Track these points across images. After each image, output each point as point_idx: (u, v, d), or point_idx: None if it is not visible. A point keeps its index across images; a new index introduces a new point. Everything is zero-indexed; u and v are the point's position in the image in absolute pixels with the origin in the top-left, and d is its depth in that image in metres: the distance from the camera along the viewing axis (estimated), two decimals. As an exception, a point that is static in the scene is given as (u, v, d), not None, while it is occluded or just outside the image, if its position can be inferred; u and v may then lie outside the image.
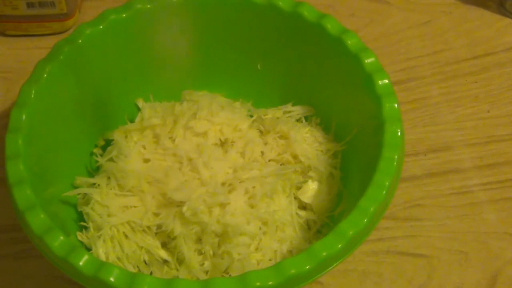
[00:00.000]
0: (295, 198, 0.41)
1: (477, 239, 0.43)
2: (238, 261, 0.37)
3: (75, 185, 0.40)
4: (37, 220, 0.32)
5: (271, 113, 0.45)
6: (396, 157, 0.34)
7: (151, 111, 0.43)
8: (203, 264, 0.38)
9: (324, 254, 0.30)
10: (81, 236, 0.38)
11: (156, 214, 0.38)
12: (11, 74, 0.52)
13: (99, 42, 0.40)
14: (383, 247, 0.42)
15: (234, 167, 0.40)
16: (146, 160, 0.40)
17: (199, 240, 0.38)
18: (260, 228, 0.38)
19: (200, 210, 0.37)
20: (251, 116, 0.44)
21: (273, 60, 0.44)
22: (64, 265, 0.31)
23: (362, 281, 0.41)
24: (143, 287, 0.29)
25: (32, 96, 0.36)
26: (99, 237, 0.38)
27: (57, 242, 0.31)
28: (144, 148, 0.41)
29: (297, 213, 0.41)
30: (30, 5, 0.52)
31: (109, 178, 0.40)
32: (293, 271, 0.30)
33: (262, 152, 0.42)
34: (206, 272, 0.38)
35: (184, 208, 0.37)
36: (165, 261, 0.39)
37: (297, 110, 0.45)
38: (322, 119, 0.44)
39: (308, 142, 0.42)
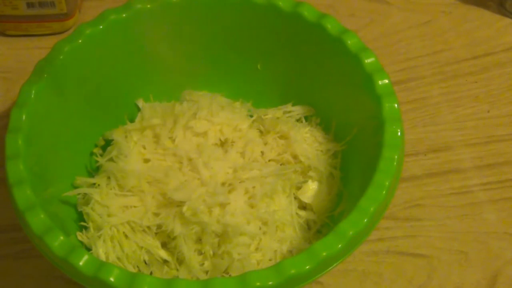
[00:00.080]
0: (295, 198, 0.41)
1: (477, 239, 0.43)
2: (238, 261, 0.37)
3: (75, 185, 0.40)
4: (37, 220, 0.32)
5: (271, 113, 0.45)
6: (396, 157, 0.34)
7: (151, 111, 0.43)
8: (203, 264, 0.38)
9: (324, 254, 0.30)
10: (81, 236, 0.38)
11: (156, 214, 0.38)
12: (11, 74, 0.52)
13: (99, 42, 0.40)
14: (383, 247, 0.42)
15: (234, 167, 0.40)
16: (146, 160, 0.41)
17: (199, 240, 0.38)
18: (260, 228, 0.38)
19: (200, 210, 0.37)
20: (251, 116, 0.44)
21: (273, 60, 0.44)
22: (64, 265, 0.31)
23: (362, 281, 0.41)
24: (143, 287, 0.29)
25: (32, 96, 0.36)
26: (99, 237, 0.38)
27: (57, 242, 0.31)
28: (144, 148, 0.41)
29: (297, 213, 0.41)
30: (30, 5, 0.52)
31: (109, 178, 0.40)
32: (293, 271, 0.30)
33: (262, 152, 0.42)
34: (206, 272, 0.38)
35: (184, 208, 0.37)
36: (165, 261, 0.39)
37: (297, 110, 0.45)
38: (322, 119, 0.44)
39: (308, 142, 0.42)
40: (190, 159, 0.40)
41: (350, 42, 0.39)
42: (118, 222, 0.38)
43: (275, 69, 0.44)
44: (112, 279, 0.30)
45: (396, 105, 0.36)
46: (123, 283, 0.29)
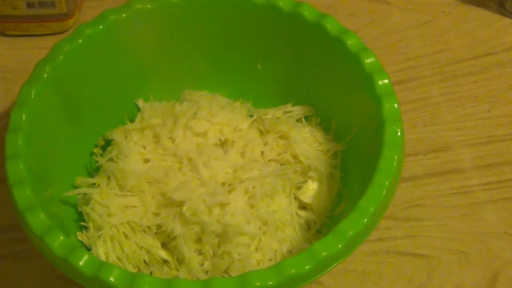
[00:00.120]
0: (295, 198, 0.41)
1: (477, 239, 0.43)
2: (238, 261, 0.37)
3: (75, 185, 0.40)
4: (37, 220, 0.32)
5: (271, 113, 0.45)
6: (396, 157, 0.34)
7: (151, 111, 0.43)
8: (203, 264, 0.38)
9: (324, 254, 0.30)
10: (81, 236, 0.38)
11: (156, 214, 0.38)
12: (11, 74, 0.52)
13: (99, 42, 0.40)
14: (383, 247, 0.42)
15: (234, 167, 0.40)
16: (146, 160, 0.40)
17: (199, 240, 0.38)
18: (260, 228, 0.38)
19: (200, 210, 0.37)
20: (251, 116, 0.44)
21: (273, 60, 0.44)
22: (64, 265, 0.31)
23: (362, 281, 0.41)
24: (143, 287, 0.29)
25: (32, 96, 0.36)
26: (99, 237, 0.38)
27: (57, 242, 0.31)
28: (144, 148, 0.41)
29: (297, 213, 0.41)
30: (30, 5, 0.52)
31: (109, 178, 0.40)
32: (293, 271, 0.30)
33: (262, 152, 0.42)
34: (206, 272, 0.38)
35: (184, 208, 0.37)
36: (165, 261, 0.39)
37: (297, 110, 0.45)
38: (322, 119, 0.44)
39: (308, 142, 0.42)
40: (190, 159, 0.40)
41: (350, 42, 0.39)
42: (118, 222, 0.38)
43: (275, 69, 0.44)
44: (112, 279, 0.30)
45: (396, 105, 0.36)
46: (123, 283, 0.29)
